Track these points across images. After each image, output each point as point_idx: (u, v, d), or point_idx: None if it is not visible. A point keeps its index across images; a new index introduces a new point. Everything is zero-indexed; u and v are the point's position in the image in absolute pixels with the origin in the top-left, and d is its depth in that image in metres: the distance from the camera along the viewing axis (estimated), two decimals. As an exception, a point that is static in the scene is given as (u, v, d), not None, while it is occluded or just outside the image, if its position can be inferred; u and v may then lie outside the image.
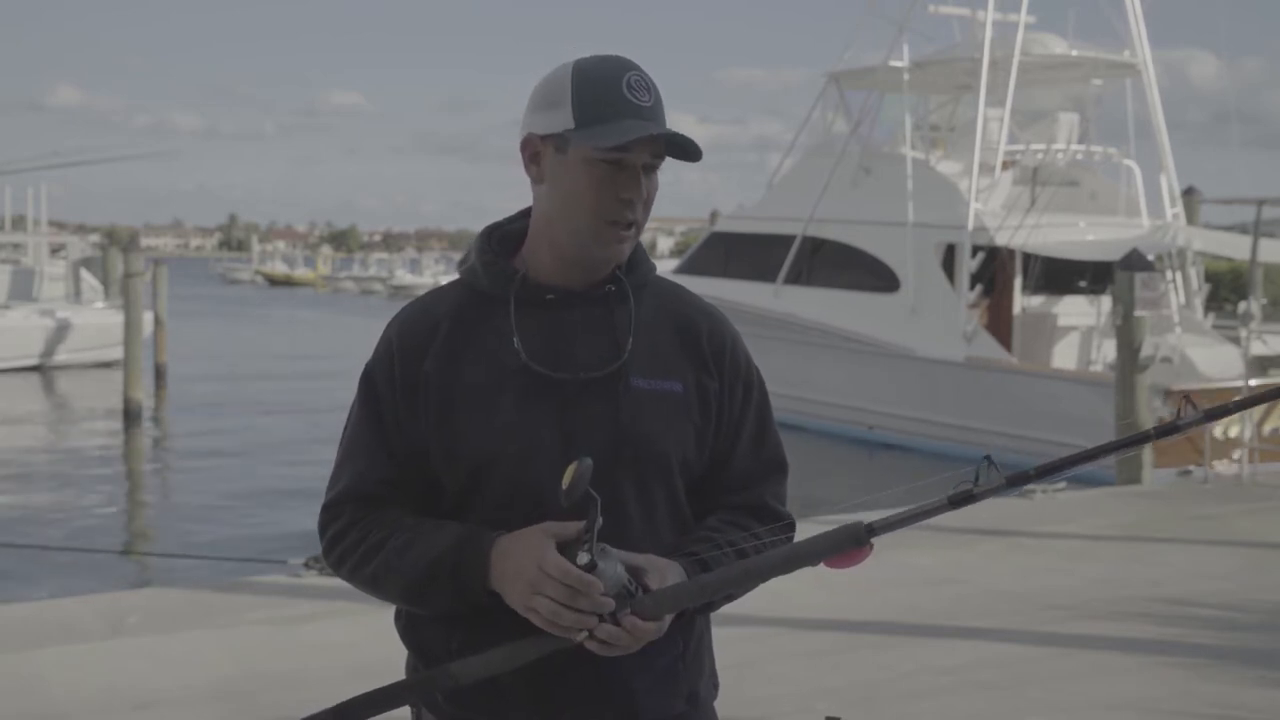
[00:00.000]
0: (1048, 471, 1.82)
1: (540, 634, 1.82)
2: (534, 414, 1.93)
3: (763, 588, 1.95)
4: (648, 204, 1.95)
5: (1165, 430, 1.81)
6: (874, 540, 1.82)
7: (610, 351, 1.96)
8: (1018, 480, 1.79)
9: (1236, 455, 11.65)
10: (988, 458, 1.79)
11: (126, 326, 21.80)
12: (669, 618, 1.86)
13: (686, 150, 1.92)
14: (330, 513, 1.99)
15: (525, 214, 2.06)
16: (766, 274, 19.60)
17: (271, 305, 63.76)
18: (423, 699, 1.97)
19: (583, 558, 1.76)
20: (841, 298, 18.51)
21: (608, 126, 1.87)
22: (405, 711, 2.05)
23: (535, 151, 1.97)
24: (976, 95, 18.34)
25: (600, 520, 1.76)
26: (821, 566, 1.86)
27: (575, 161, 1.91)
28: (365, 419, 1.99)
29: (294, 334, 43.73)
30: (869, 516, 1.85)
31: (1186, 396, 1.83)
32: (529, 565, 1.81)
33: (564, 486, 1.74)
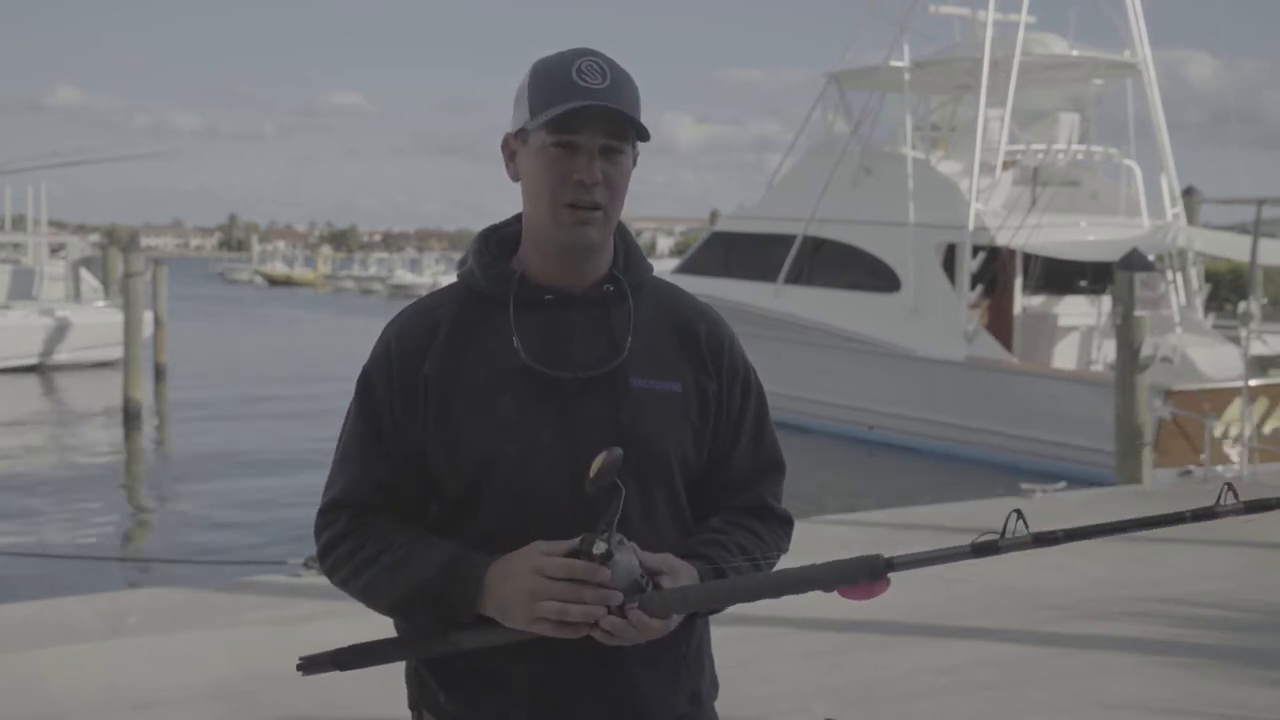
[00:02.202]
0: (1076, 536, 1.80)
1: None
2: (534, 414, 1.93)
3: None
4: (612, 188, 1.94)
5: (1202, 514, 1.79)
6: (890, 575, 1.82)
7: (609, 351, 1.97)
8: (1044, 540, 1.78)
9: (1235, 454, 11.64)
10: (1017, 511, 1.77)
11: (126, 326, 21.80)
12: (677, 618, 1.87)
13: (635, 125, 1.93)
14: (325, 518, 2.00)
15: (521, 217, 2.07)
16: (767, 274, 19.59)
17: (271, 305, 63.76)
18: (435, 701, 1.97)
19: (599, 547, 1.77)
20: (842, 298, 18.50)
21: (553, 108, 1.90)
22: (406, 713, 2.05)
23: (511, 151, 2.01)
24: (977, 95, 18.33)
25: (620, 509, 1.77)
26: (836, 594, 1.84)
27: (533, 149, 1.94)
28: (362, 422, 1.99)
29: (294, 334, 43.72)
30: (892, 535, 1.84)
31: (1229, 485, 1.79)
32: (524, 579, 1.81)
33: (591, 474, 1.75)
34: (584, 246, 1.96)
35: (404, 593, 1.90)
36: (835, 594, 1.85)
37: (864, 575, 1.81)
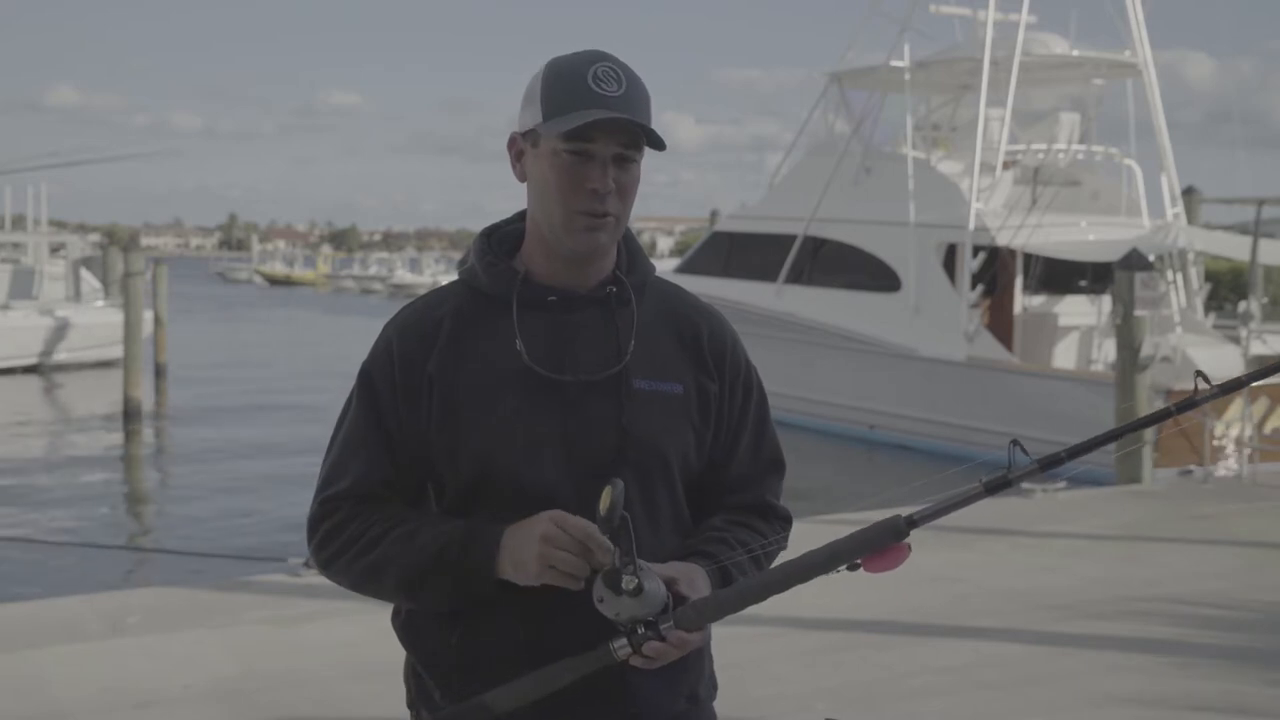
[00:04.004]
0: (1079, 451, 1.78)
1: (577, 656, 1.82)
2: (536, 415, 1.93)
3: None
4: (623, 195, 1.93)
5: (1185, 405, 1.80)
6: (912, 532, 1.78)
7: (612, 354, 1.96)
8: (1050, 463, 1.76)
9: (1233, 453, 11.64)
10: (1015, 441, 1.75)
11: (126, 326, 21.79)
12: (710, 626, 1.87)
13: (649, 137, 1.92)
14: (324, 508, 1.99)
15: (524, 214, 2.07)
16: (768, 273, 19.59)
17: (271, 305, 63.75)
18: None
19: (629, 581, 1.76)
20: (843, 297, 18.50)
21: (569, 116, 1.88)
22: (405, 713, 2.05)
23: (519, 150, 1.99)
24: (978, 95, 18.33)
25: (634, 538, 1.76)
26: (861, 572, 1.81)
27: (544, 154, 1.92)
28: (363, 419, 1.99)
29: (293, 333, 43.73)
30: (905, 510, 1.82)
31: (1199, 373, 1.81)
32: (539, 527, 1.83)
33: (602, 513, 1.74)
34: (594, 253, 1.96)
35: (424, 557, 1.89)
36: (845, 590, 1.83)
37: (888, 538, 1.78)
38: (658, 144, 1.93)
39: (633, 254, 2.05)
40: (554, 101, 1.90)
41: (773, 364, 15.85)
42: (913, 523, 1.78)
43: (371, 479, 1.97)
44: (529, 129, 1.95)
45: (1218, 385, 1.78)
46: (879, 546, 1.79)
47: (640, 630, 1.79)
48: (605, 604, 1.79)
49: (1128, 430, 1.90)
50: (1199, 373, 1.82)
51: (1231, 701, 5.18)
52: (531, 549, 1.83)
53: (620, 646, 1.80)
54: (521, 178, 2.00)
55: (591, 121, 1.86)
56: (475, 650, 1.92)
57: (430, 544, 1.89)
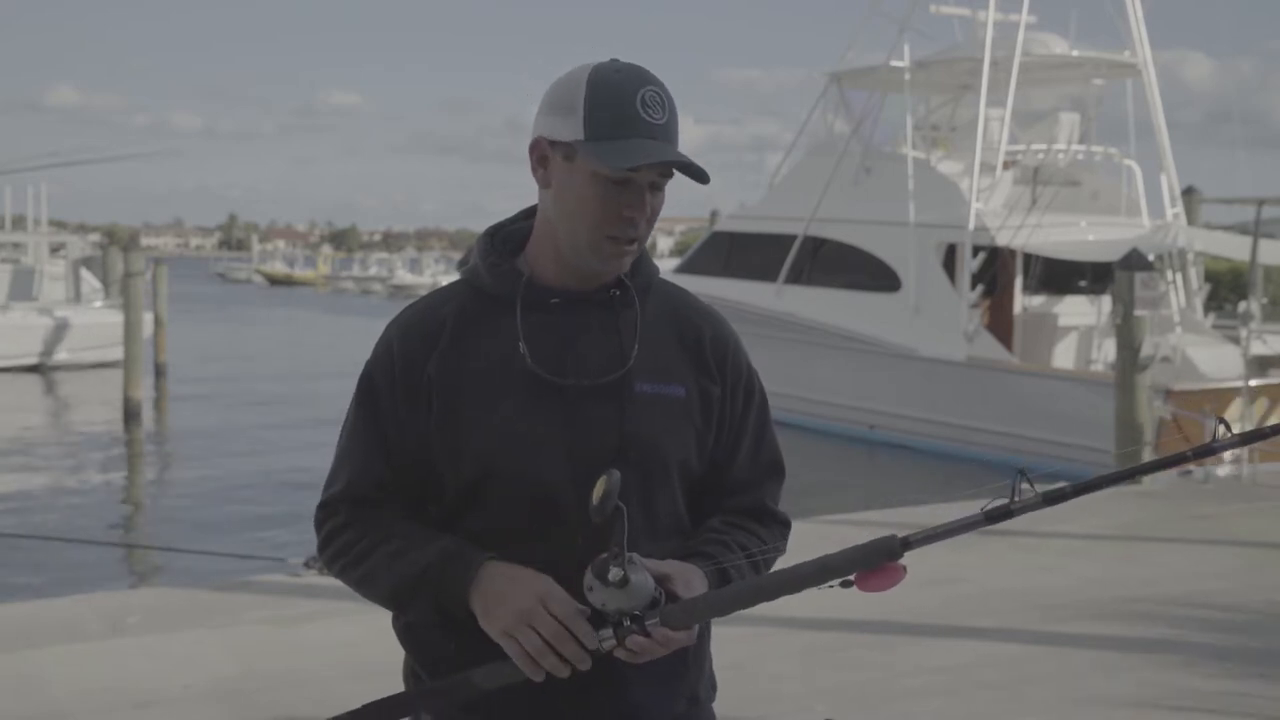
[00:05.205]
0: (1084, 489, 1.77)
1: None
2: (538, 416, 1.93)
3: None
4: (651, 220, 1.94)
5: (1202, 451, 1.79)
6: (907, 555, 1.78)
7: (615, 356, 1.96)
8: (1054, 498, 1.75)
9: (1233, 455, 11.64)
10: (1022, 471, 1.73)
11: (126, 326, 21.79)
12: (698, 626, 1.86)
13: (695, 174, 1.91)
14: (325, 511, 2.01)
15: (528, 214, 2.06)
16: (768, 273, 19.60)
17: (271, 305, 63.73)
18: (439, 707, 1.95)
19: (615, 573, 1.76)
20: (843, 297, 18.51)
21: (617, 145, 1.85)
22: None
23: (544, 155, 1.95)
24: (977, 95, 18.33)
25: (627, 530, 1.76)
26: (854, 589, 1.80)
27: (581, 173, 1.90)
28: (363, 421, 2.00)
29: (293, 333, 43.73)
30: (903, 530, 1.80)
31: (1222, 420, 1.79)
32: (527, 595, 1.81)
33: (595, 501, 1.74)
34: (614, 274, 1.97)
35: (402, 579, 1.90)
36: (843, 592, 1.81)
37: (882, 557, 1.77)
38: (705, 179, 1.93)
39: (638, 257, 2.05)
40: (600, 122, 1.87)
41: (773, 364, 15.84)
42: (908, 544, 1.77)
43: (364, 482, 1.98)
44: (564, 140, 1.91)
45: (1237, 435, 1.75)
46: (872, 565, 1.78)
47: (625, 623, 1.79)
48: (593, 593, 1.79)
49: (1139, 472, 1.91)
50: (1220, 419, 1.79)
51: (1231, 701, 5.18)
52: (506, 614, 1.82)
53: (605, 638, 1.80)
54: (544, 183, 1.96)
55: (647, 164, 1.85)
56: (473, 654, 1.91)
57: (413, 564, 1.90)
